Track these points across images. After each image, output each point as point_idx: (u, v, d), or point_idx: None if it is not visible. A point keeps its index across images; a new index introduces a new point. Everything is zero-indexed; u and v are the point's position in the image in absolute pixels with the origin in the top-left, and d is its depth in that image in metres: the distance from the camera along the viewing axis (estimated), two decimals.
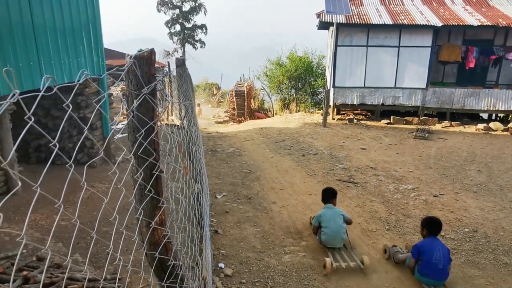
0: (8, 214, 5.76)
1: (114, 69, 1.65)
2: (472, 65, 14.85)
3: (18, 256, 1.00)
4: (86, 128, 1.04)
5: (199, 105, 19.85)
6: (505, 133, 13.32)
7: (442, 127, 14.08)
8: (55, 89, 0.92)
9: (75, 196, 6.57)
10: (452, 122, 14.36)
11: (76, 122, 8.15)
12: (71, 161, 1.23)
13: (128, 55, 1.43)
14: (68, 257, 1.22)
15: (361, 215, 6.65)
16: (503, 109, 14.39)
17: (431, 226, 4.71)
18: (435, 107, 15.10)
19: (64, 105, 0.87)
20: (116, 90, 16.92)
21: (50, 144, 0.92)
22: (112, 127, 8.96)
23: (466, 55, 14.86)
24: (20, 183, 6.39)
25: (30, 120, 0.84)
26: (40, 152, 8.19)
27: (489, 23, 13.52)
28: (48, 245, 1.08)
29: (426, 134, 12.48)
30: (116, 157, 8.91)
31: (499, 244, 5.67)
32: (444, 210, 6.87)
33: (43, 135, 7.99)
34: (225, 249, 5.27)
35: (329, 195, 5.66)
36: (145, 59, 1.45)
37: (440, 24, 13.57)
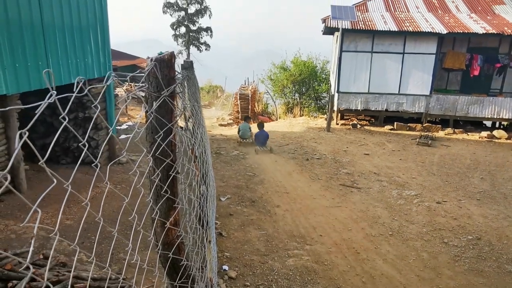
0: (14, 212, 5.79)
1: (137, 71, 1.68)
2: (476, 72, 14.86)
3: (30, 254, 1.02)
4: (89, 128, 1.07)
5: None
6: (508, 141, 13.32)
7: (445, 134, 14.08)
8: (86, 90, 0.95)
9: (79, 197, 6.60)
10: (456, 130, 14.36)
11: (82, 122, 8.20)
12: (79, 161, 1.25)
13: (149, 57, 1.46)
14: (75, 256, 1.24)
15: (365, 220, 6.66)
16: (507, 117, 14.38)
17: None
18: (438, 114, 15.10)
19: (60, 117, 0.89)
20: (121, 91, 16.98)
21: (80, 144, 0.95)
22: (117, 127, 9.01)
23: (471, 62, 14.88)
24: (55, 181, 6.45)
25: (65, 119, 0.87)
26: (45, 151, 8.23)
27: (494, 31, 13.53)
28: (55, 245, 1.11)
29: (429, 141, 12.49)
30: (121, 157, 8.95)
31: (503, 253, 5.67)
32: (447, 217, 6.88)
33: (49, 134, 8.05)
34: (229, 252, 5.29)
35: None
36: (166, 62, 1.48)
37: (445, 31, 13.60)
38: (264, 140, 11.52)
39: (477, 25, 14.16)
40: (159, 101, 1.46)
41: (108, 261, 4.59)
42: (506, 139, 13.39)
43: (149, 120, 1.48)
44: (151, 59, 1.44)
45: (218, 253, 5.17)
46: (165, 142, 1.53)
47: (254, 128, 12.59)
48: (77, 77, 0.90)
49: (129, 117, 15.54)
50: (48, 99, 0.81)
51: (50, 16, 6.77)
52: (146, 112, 1.48)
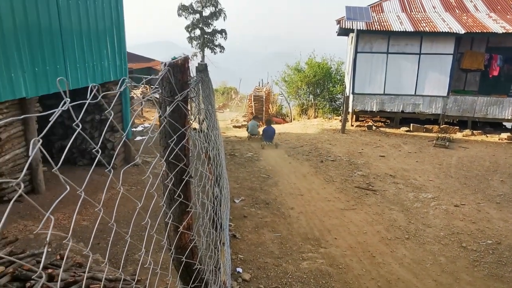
0: (32, 213, 5.90)
1: (152, 73, 1.69)
2: (495, 73, 14.55)
3: (44, 254, 1.03)
4: (105, 130, 1.07)
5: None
6: None
7: (463, 136, 13.82)
8: (99, 97, 0.95)
9: (96, 197, 6.69)
10: (474, 131, 14.07)
11: (98, 124, 8.32)
12: (94, 164, 1.26)
13: (163, 62, 1.47)
14: (90, 257, 1.25)
15: (380, 223, 6.58)
16: None
17: None
18: (456, 115, 14.83)
19: (74, 124, 0.90)
20: (136, 93, 17.18)
21: (93, 150, 0.96)
22: (132, 129, 9.11)
23: (490, 63, 14.57)
24: (68, 188, 6.57)
25: (78, 127, 0.88)
26: (63, 153, 8.37)
27: None
28: (70, 246, 1.12)
29: (447, 143, 12.27)
30: (137, 159, 9.04)
31: None
32: (465, 221, 6.74)
33: (66, 136, 8.19)
34: (243, 254, 5.28)
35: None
36: (179, 67, 1.48)
37: (462, 31, 13.36)
38: (271, 135, 12.24)
39: (496, 25, 13.86)
40: (172, 106, 1.47)
41: (122, 262, 4.62)
42: None
43: (162, 125, 1.49)
44: (165, 64, 1.45)
45: (232, 255, 5.18)
46: (178, 147, 1.53)
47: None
48: (91, 84, 0.91)
49: (145, 119, 15.71)
50: (61, 107, 0.82)
51: (68, 21, 6.89)
52: (160, 116, 1.48)
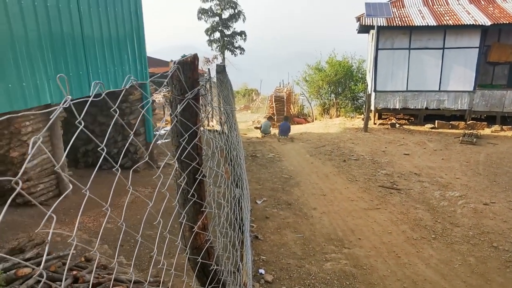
0: (59, 216, 6.04)
1: (159, 75, 1.68)
2: None
3: (69, 256, 1.03)
4: (131, 133, 1.06)
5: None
6: None
7: (492, 132, 13.35)
8: (103, 95, 0.94)
9: (120, 200, 6.79)
10: (504, 126, 13.57)
11: (121, 128, 8.45)
12: (117, 165, 1.25)
13: (172, 60, 1.45)
14: (115, 259, 1.25)
15: (405, 222, 6.41)
16: None
17: None
18: (483, 111, 14.36)
19: (111, 109, 0.89)
20: (158, 96, 17.43)
21: (98, 149, 0.94)
22: (155, 132, 9.23)
23: None
24: (71, 186, 6.71)
25: (81, 124, 0.86)
26: (87, 157, 8.56)
27: None
28: (96, 247, 1.11)
29: (474, 139, 11.88)
30: (159, 162, 9.15)
31: None
32: (496, 220, 6.49)
33: (90, 141, 8.37)
34: (265, 255, 5.24)
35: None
36: (189, 64, 1.47)
37: (489, 23, 12.91)
38: (286, 129, 13.58)
39: None
40: (183, 104, 1.45)
41: (151, 266, 4.62)
42: None
43: (173, 123, 1.47)
44: (174, 62, 1.44)
45: (254, 257, 5.15)
46: (191, 145, 1.51)
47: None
48: (94, 81, 0.90)
49: (167, 122, 15.90)
50: (63, 104, 0.81)
51: (89, 29, 7.05)
52: (170, 115, 1.47)
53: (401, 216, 6.67)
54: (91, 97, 0.90)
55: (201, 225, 1.67)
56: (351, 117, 18.49)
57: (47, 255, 4.03)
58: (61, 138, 6.85)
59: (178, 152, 1.50)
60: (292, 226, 6.20)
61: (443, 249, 5.55)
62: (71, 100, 0.83)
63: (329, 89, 21.15)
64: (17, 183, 0.66)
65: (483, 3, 15.13)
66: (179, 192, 1.58)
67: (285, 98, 20.67)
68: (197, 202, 1.62)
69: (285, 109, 20.53)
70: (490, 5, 14.79)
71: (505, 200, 7.35)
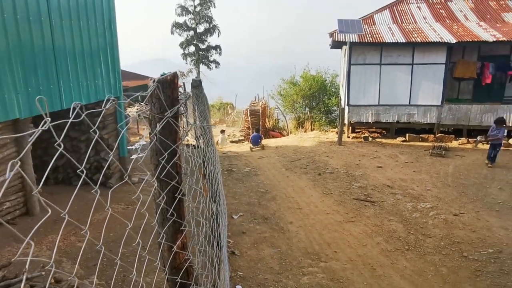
0: (27, 235, 5.79)
1: (145, 91, 1.67)
2: (488, 81, 14.65)
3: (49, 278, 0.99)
4: (111, 153, 1.04)
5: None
6: None
7: (459, 144, 13.83)
8: (83, 115, 0.92)
9: (93, 218, 6.60)
10: (470, 139, 14.10)
11: (94, 143, 8.25)
12: (97, 186, 1.23)
13: (151, 78, 1.44)
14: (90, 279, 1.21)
15: (380, 234, 6.51)
16: None
17: None
18: (451, 124, 14.89)
19: (91, 130, 0.87)
20: (132, 110, 17.20)
21: (78, 171, 0.92)
22: (129, 147, 9.07)
23: (482, 71, 14.69)
24: (50, 211, 6.48)
25: (60, 147, 0.84)
26: (58, 173, 8.31)
27: (505, 39, 13.38)
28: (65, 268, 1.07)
29: (443, 152, 12.27)
30: (133, 177, 8.98)
31: None
32: (465, 230, 6.69)
33: (61, 156, 8.13)
34: (242, 271, 5.20)
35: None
36: (168, 83, 1.46)
37: (454, 40, 13.50)
38: (257, 139, 15.07)
39: (486, 33, 14.03)
40: (162, 122, 1.44)
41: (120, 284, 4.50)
42: None
43: (152, 142, 1.46)
44: (154, 81, 1.43)
45: (232, 273, 5.09)
46: (170, 164, 1.50)
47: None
48: (74, 103, 0.88)
49: (141, 137, 15.67)
50: (41, 127, 0.79)
51: (61, 41, 6.91)
52: (150, 134, 1.45)
53: (376, 228, 6.77)
54: (71, 119, 0.89)
55: (181, 244, 1.64)
56: (325, 131, 18.76)
57: (15, 277, 3.86)
58: (30, 154, 6.64)
59: (158, 171, 1.48)
60: (269, 240, 6.18)
61: (417, 260, 5.66)
62: (42, 117, 0.81)
63: (303, 103, 21.45)
64: None
65: (448, 21, 15.81)
66: (158, 211, 1.55)
67: (260, 112, 20.79)
68: (176, 221, 1.60)
69: (260, 123, 20.62)
70: (455, 24, 15.49)
71: (473, 210, 7.59)
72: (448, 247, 6.07)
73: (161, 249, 1.61)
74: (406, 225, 6.90)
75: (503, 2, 16.72)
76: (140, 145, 12.67)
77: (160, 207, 1.54)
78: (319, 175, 9.99)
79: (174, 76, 1.50)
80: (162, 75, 1.50)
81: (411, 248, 6.03)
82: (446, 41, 13.60)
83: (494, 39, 13.43)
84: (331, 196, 8.41)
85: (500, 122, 10.56)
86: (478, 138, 13.26)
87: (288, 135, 20.98)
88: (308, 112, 21.57)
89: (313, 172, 10.28)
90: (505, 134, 10.84)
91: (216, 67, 38.79)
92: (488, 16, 15.95)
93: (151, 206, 1.67)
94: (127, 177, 1.35)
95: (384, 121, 14.98)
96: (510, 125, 14.29)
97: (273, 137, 20.11)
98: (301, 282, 4.98)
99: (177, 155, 1.52)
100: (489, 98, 14.99)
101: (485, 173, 10.18)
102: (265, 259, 5.57)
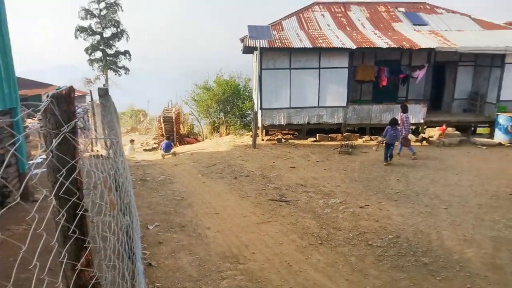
0: None
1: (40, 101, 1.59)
2: (384, 83, 16.20)
3: None
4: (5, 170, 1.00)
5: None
6: (417, 143, 14.58)
7: (363, 142, 15.05)
8: None
9: None
10: (372, 136, 15.42)
11: None
12: None
13: (45, 93, 1.39)
14: None
15: (295, 232, 6.83)
16: (413, 121, 15.77)
17: None
18: (356, 123, 16.16)
19: None
20: (33, 122, 15.81)
21: None
22: (29, 162, 8.35)
23: (379, 74, 16.19)
24: None
25: None
26: None
27: (395, 46, 14.91)
28: None
29: (350, 149, 13.25)
30: (35, 194, 8.27)
31: (419, 247, 6.16)
32: (370, 220, 7.31)
33: None
34: (160, 282, 5.09)
35: None
36: (64, 97, 1.42)
37: (354, 46, 14.68)
38: (168, 146, 15.85)
39: (381, 40, 15.48)
40: (58, 138, 1.39)
41: None
42: (415, 141, 14.63)
43: (48, 159, 1.40)
44: (47, 95, 1.38)
45: (149, 285, 4.96)
46: (69, 180, 1.45)
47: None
48: None
49: (44, 150, 14.47)
50: None
51: None
52: (45, 151, 1.40)
53: (291, 226, 7.08)
54: None
55: (85, 261, 1.59)
56: (240, 135, 19.09)
57: None
58: None
59: (55, 188, 1.42)
60: (187, 248, 6.14)
61: (329, 253, 6.05)
62: None
63: (218, 108, 21.59)
64: None
65: (348, 29, 17.13)
66: (58, 230, 1.49)
67: (174, 118, 20.46)
68: (79, 238, 1.55)
69: (174, 129, 20.30)
70: (354, 32, 16.83)
71: (376, 202, 8.32)
72: (356, 237, 6.58)
73: (63, 268, 1.55)
74: (318, 221, 7.33)
75: (393, 13, 18.61)
76: (42, 159, 11.71)
77: (60, 225, 1.48)
78: (235, 179, 10.16)
79: (70, 90, 1.45)
80: (57, 89, 1.45)
81: (324, 242, 6.42)
82: (347, 47, 14.73)
83: (387, 46, 14.89)
84: (248, 199, 8.60)
85: (395, 123, 11.70)
86: (379, 138, 14.52)
87: (203, 140, 20.95)
88: (223, 117, 21.77)
89: (229, 176, 10.41)
90: (402, 132, 12.17)
91: (125, 73, 37.30)
92: (381, 25, 17.60)
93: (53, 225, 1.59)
94: (19, 197, 1.28)
95: (296, 123, 15.71)
96: (413, 122, 15.82)
97: (188, 143, 19.92)
98: (220, 286, 5.03)
99: (77, 171, 1.48)
100: (386, 99, 16.56)
101: (385, 167, 11.20)
102: (183, 267, 5.52)
